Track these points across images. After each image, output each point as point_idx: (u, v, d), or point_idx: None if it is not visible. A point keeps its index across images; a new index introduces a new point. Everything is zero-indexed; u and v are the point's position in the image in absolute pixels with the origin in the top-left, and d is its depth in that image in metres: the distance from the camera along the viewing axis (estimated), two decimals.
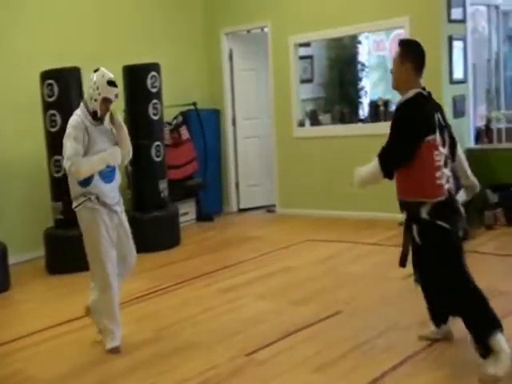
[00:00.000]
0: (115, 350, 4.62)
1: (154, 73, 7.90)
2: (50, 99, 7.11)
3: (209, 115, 9.71)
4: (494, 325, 3.72)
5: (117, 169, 4.74)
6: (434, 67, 7.80)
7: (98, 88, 4.57)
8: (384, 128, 8.37)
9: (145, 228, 7.50)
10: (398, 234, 7.41)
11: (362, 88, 11.23)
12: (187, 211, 9.26)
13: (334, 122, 9.51)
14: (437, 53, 7.80)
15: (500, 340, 3.65)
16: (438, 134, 3.80)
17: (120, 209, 4.75)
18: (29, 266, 7.53)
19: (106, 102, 4.59)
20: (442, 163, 3.80)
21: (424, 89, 3.89)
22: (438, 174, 3.77)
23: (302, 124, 9.39)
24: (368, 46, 11.73)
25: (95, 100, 4.57)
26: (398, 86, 3.96)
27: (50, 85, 7.10)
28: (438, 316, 4.29)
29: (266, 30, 9.70)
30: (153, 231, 7.69)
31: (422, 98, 3.84)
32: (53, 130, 7.11)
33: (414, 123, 3.77)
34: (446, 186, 3.83)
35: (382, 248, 7.09)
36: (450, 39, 7.90)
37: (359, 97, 11.12)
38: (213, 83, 10.14)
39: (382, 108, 8.97)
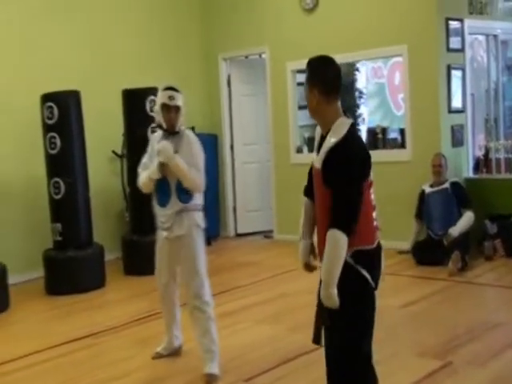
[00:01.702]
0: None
1: (152, 97, 7.91)
2: (50, 121, 7.15)
3: (207, 140, 9.67)
4: None
5: (174, 196, 4.52)
6: (432, 96, 7.91)
7: (157, 100, 4.56)
8: (381, 156, 8.54)
9: (142, 251, 7.47)
10: (397, 262, 7.52)
11: (360, 115, 11.29)
12: None
13: None
14: (435, 82, 7.89)
15: None
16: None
17: (170, 234, 4.58)
18: (28, 286, 7.53)
19: (167, 109, 4.49)
20: (375, 203, 3.18)
21: (345, 112, 3.19)
22: (374, 214, 3.15)
23: (299, 150, 9.42)
24: (366, 73, 11.81)
25: (158, 113, 4.55)
26: (313, 115, 3.24)
27: (50, 107, 7.14)
28: None
29: (263, 55, 9.78)
30: (151, 254, 7.65)
31: (354, 130, 3.16)
32: (52, 152, 7.17)
33: (357, 167, 3.06)
34: (377, 232, 3.19)
35: None
36: (449, 68, 7.96)
37: (357, 124, 11.18)
38: (211, 108, 10.19)
39: (379, 135, 9.01)
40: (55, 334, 5.73)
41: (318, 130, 3.25)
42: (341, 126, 3.08)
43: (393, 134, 9.41)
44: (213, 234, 9.75)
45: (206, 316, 4.57)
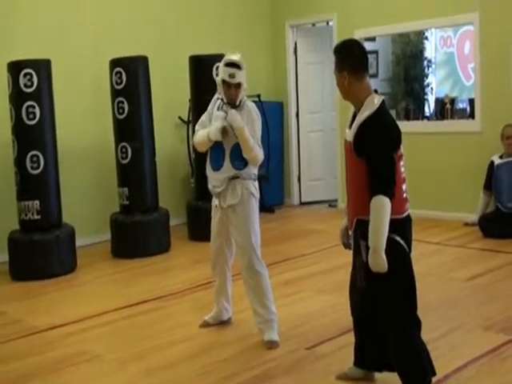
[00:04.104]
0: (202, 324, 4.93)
1: (219, 63, 7.92)
2: (119, 87, 7.23)
3: (272, 108, 9.71)
4: (428, 376, 3.47)
5: (228, 161, 4.47)
6: (504, 65, 7.69)
7: (218, 73, 4.50)
8: (449, 126, 8.37)
9: (206, 217, 7.51)
10: (463, 234, 7.40)
11: (428, 85, 11.08)
12: None
13: (399, 118, 9.40)
14: (508, 50, 7.64)
15: None
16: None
17: (223, 203, 4.55)
18: (95, 249, 7.73)
19: (227, 85, 4.41)
20: (404, 176, 3.45)
21: (376, 91, 3.46)
22: (404, 186, 3.42)
23: None
24: (435, 42, 11.55)
25: (219, 85, 4.48)
26: (347, 98, 3.47)
27: (119, 72, 7.21)
28: (366, 361, 3.83)
29: (331, 23, 9.65)
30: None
31: (385, 106, 3.39)
32: (120, 117, 7.26)
33: (391, 136, 3.33)
34: (407, 203, 3.47)
35: (445, 248, 6.99)
36: None
37: (425, 93, 10.98)
38: (277, 76, 10.14)
39: (448, 105, 8.83)
40: (119, 296, 5.86)
41: (352, 110, 3.49)
42: (373, 102, 3.34)
43: (461, 105, 9.21)
44: (277, 202, 9.78)
45: (260, 286, 4.53)
